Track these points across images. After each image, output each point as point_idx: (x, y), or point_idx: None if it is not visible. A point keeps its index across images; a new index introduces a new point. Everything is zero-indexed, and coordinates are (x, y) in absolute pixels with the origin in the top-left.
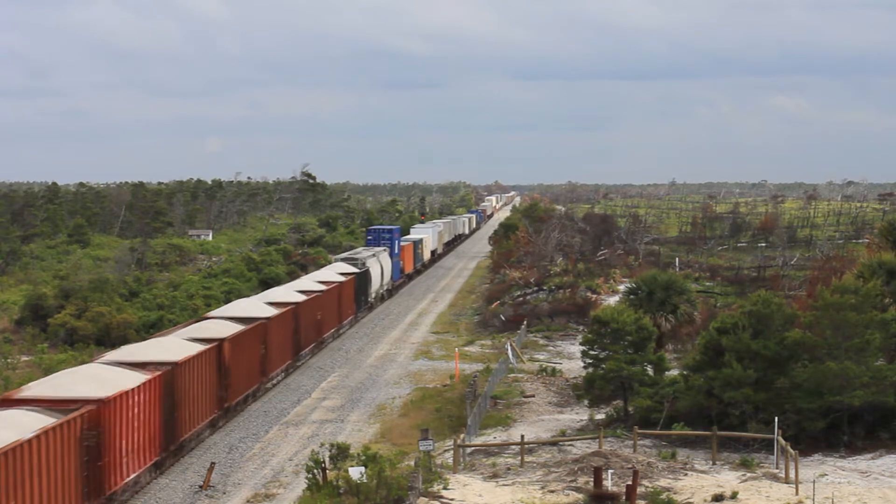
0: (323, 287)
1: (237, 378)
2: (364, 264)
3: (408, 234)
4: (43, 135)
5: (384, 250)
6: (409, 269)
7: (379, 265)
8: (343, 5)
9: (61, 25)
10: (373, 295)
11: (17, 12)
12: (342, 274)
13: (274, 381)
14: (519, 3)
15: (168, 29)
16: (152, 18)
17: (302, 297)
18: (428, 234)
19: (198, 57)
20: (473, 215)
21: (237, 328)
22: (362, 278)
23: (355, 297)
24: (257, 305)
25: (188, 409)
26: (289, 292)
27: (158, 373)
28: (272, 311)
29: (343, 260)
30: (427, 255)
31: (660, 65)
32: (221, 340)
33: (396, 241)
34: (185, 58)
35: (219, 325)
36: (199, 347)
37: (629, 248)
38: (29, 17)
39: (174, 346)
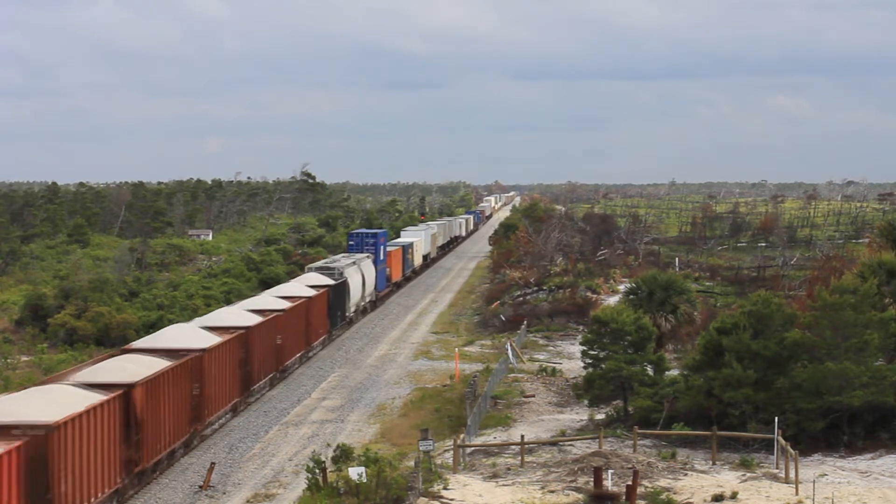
0: (286, 304)
1: (155, 431)
2: (341, 274)
3: (399, 236)
4: (43, 135)
5: (367, 257)
6: (396, 276)
7: (360, 274)
8: (344, 5)
9: (61, 25)
10: (352, 309)
11: (17, 12)
12: (313, 287)
13: (215, 426)
14: (519, 3)
15: (169, 29)
16: (153, 18)
17: (256, 319)
18: (419, 238)
19: (198, 57)
20: (471, 216)
21: (160, 365)
22: (338, 290)
23: (329, 312)
24: (194, 333)
25: (69, 486)
26: (240, 314)
27: (17, 443)
28: (212, 340)
29: (317, 269)
30: (418, 261)
31: (660, 65)
32: (130, 387)
33: (382, 247)
34: (186, 57)
35: (135, 364)
36: (94, 398)
37: (629, 248)
38: (29, 17)
39: (57, 399)
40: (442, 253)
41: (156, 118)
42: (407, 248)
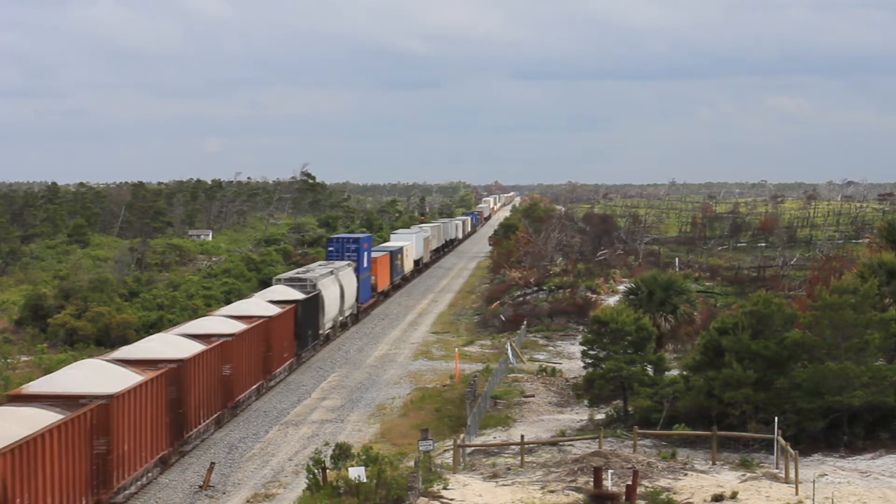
0: (238, 327)
1: None
2: (314, 286)
3: (388, 240)
4: (43, 135)
5: (347, 265)
6: (383, 285)
7: (337, 285)
8: (344, 5)
9: (62, 25)
10: (327, 325)
11: (17, 12)
12: (277, 302)
13: (131, 489)
14: (520, 3)
15: (169, 29)
16: (154, 18)
17: (194, 349)
18: (410, 242)
19: (199, 57)
20: (468, 218)
21: (43, 422)
22: (309, 306)
23: (297, 332)
24: (106, 372)
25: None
26: (176, 342)
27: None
28: (127, 380)
29: (286, 281)
30: (409, 267)
31: (660, 65)
32: None
33: (366, 253)
34: (186, 57)
35: (16, 421)
36: None
37: (629, 248)
38: (29, 17)
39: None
40: (437, 257)
41: (156, 118)
42: (396, 254)
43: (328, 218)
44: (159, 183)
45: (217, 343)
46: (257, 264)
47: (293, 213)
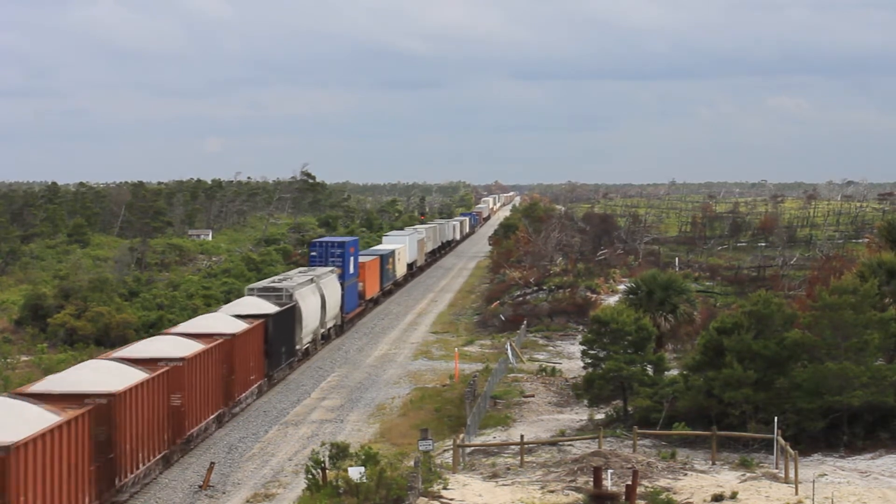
0: (192, 349)
1: None
2: (290, 297)
3: (381, 242)
4: (43, 135)
5: (331, 272)
6: (373, 291)
7: (318, 295)
8: (344, 5)
9: (62, 25)
10: (306, 339)
11: (17, 12)
12: (245, 317)
13: None
14: (520, 3)
15: (170, 28)
16: (154, 18)
17: (132, 378)
18: (403, 245)
19: (199, 57)
20: (466, 218)
21: None
22: (283, 319)
23: (267, 350)
24: (14, 412)
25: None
26: (111, 370)
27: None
28: (35, 424)
29: (259, 292)
30: (402, 271)
31: (660, 65)
32: None
33: (352, 258)
34: (187, 57)
35: None
36: None
37: (629, 247)
38: (29, 17)
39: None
40: (432, 259)
41: (156, 118)
42: (386, 258)
43: (328, 218)
44: (159, 183)
45: (163, 370)
46: (257, 264)
47: (293, 213)
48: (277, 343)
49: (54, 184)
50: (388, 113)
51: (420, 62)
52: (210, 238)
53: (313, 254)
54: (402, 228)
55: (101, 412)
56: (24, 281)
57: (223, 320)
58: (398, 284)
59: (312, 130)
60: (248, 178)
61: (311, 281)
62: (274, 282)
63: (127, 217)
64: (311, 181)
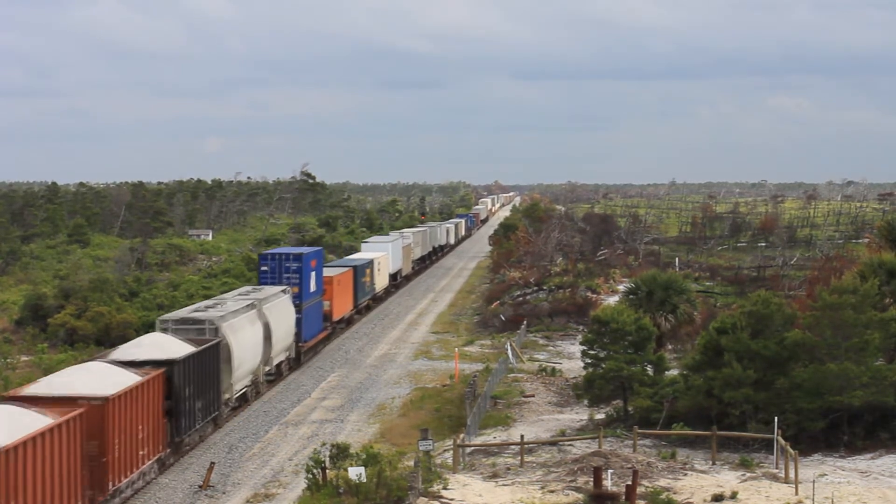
0: (31, 428)
1: None
2: (215, 331)
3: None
4: (43, 135)
5: (282, 292)
6: (342, 311)
7: (258, 325)
8: (347, 5)
9: (63, 25)
10: (239, 384)
11: (18, 12)
12: (139, 365)
13: None
14: (521, 2)
15: (171, 28)
16: (155, 18)
17: None
18: (385, 252)
19: (201, 56)
20: (462, 220)
21: None
22: (201, 363)
23: (172, 409)
24: None
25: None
26: None
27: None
28: None
29: (175, 324)
30: (382, 283)
31: (661, 65)
32: None
33: (313, 272)
34: (189, 57)
35: None
36: None
37: (629, 247)
38: (31, 17)
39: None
40: (422, 267)
41: (156, 118)
42: (362, 269)
43: (328, 218)
44: (159, 183)
45: None
46: (257, 264)
47: (293, 213)
48: (189, 397)
49: (54, 184)
50: (388, 113)
51: (420, 62)
52: (210, 238)
53: (263, 269)
54: (386, 234)
55: None
56: (24, 281)
57: (101, 374)
58: (377, 299)
59: (312, 130)
60: (248, 178)
61: (251, 307)
62: (198, 310)
63: (127, 217)
64: (311, 181)
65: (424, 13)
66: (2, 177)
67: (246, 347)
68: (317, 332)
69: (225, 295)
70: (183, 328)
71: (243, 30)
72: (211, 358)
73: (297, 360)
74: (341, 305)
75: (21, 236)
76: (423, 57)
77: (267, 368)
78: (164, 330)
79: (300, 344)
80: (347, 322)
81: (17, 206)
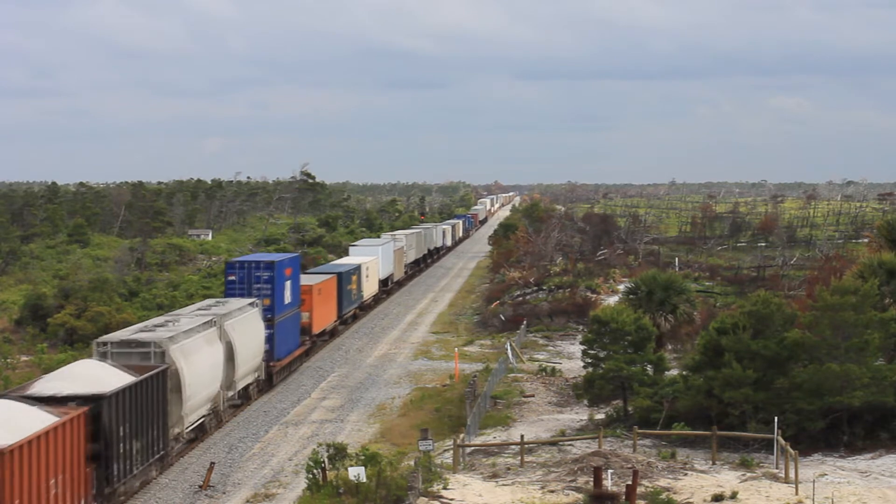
0: None
1: None
2: (162, 355)
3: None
4: (44, 135)
5: (249, 306)
6: (325, 322)
7: (218, 345)
8: (350, 5)
9: (64, 25)
10: (193, 415)
11: (20, 12)
12: (63, 402)
13: None
14: (523, 2)
15: (173, 28)
16: (157, 17)
17: None
18: (374, 257)
19: (202, 56)
20: (459, 221)
21: None
22: (140, 396)
23: (101, 453)
24: None
25: None
26: None
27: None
28: None
29: (116, 347)
30: (371, 290)
31: (662, 65)
32: None
33: (288, 282)
34: (189, 57)
35: None
36: None
37: (629, 247)
38: (31, 17)
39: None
40: (416, 270)
41: (157, 118)
42: (347, 276)
43: (328, 218)
44: (159, 183)
45: None
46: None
47: (293, 213)
48: (125, 438)
49: (54, 184)
50: (389, 113)
51: (421, 62)
52: (210, 238)
53: (230, 279)
54: (377, 237)
55: None
56: (24, 281)
57: (3, 417)
58: (365, 307)
59: (313, 130)
60: (248, 178)
61: (210, 324)
62: (145, 329)
63: (127, 217)
64: (310, 181)
65: (425, 13)
66: (2, 177)
67: (201, 373)
68: (293, 348)
69: (181, 310)
70: (125, 352)
71: (244, 29)
72: (155, 388)
73: (268, 381)
74: (323, 316)
75: (21, 236)
76: (423, 57)
77: (230, 394)
78: (103, 355)
79: (271, 363)
80: (330, 334)
81: (17, 206)
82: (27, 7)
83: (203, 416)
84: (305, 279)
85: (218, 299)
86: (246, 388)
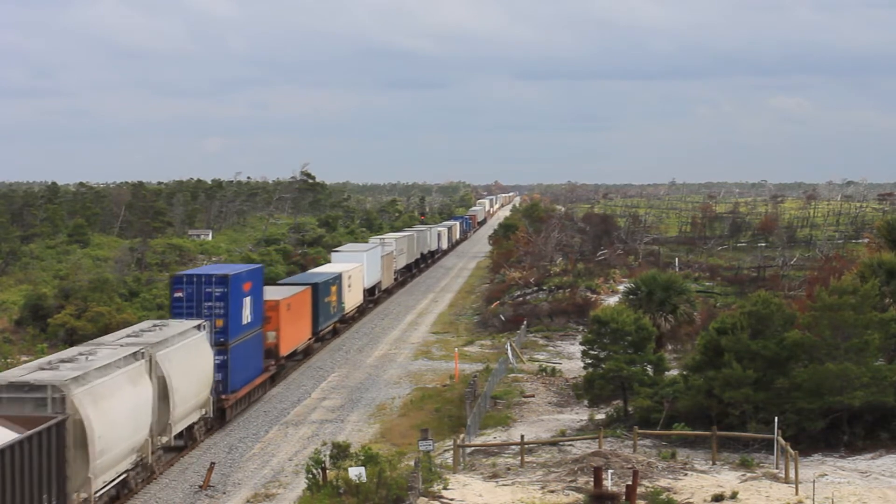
0: None
1: None
2: (62, 400)
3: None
4: (44, 135)
5: (193, 329)
6: (296, 341)
7: (145, 383)
8: (350, 5)
9: (64, 25)
10: (108, 473)
11: (20, 12)
12: None
13: None
14: (523, 2)
15: (173, 28)
16: (157, 17)
17: None
18: (359, 264)
19: (202, 56)
20: (457, 223)
21: None
22: (30, 457)
23: None
24: None
25: None
26: None
27: None
28: None
29: (7, 391)
30: (355, 301)
31: (662, 65)
32: None
33: (248, 298)
34: (189, 57)
35: None
36: None
37: (629, 248)
38: (32, 17)
39: None
40: (408, 276)
41: (156, 118)
42: (325, 287)
43: (328, 218)
44: (159, 183)
45: None
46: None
47: (293, 213)
48: None
49: (54, 184)
50: (389, 113)
51: (421, 62)
52: (210, 238)
53: (177, 296)
54: (364, 241)
55: None
56: (24, 281)
57: None
58: (347, 319)
59: (313, 130)
60: (248, 178)
61: (136, 357)
62: (48, 365)
63: (127, 217)
64: (311, 181)
65: (425, 13)
66: (2, 177)
67: (118, 421)
68: (253, 376)
69: (105, 338)
70: (15, 398)
71: (244, 29)
72: (47, 447)
73: (219, 417)
74: (294, 335)
75: (21, 236)
76: (423, 57)
77: (164, 439)
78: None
79: (224, 395)
80: (305, 353)
81: (17, 206)
82: (27, 7)
83: (123, 473)
84: (271, 293)
85: (156, 321)
86: (190, 427)
